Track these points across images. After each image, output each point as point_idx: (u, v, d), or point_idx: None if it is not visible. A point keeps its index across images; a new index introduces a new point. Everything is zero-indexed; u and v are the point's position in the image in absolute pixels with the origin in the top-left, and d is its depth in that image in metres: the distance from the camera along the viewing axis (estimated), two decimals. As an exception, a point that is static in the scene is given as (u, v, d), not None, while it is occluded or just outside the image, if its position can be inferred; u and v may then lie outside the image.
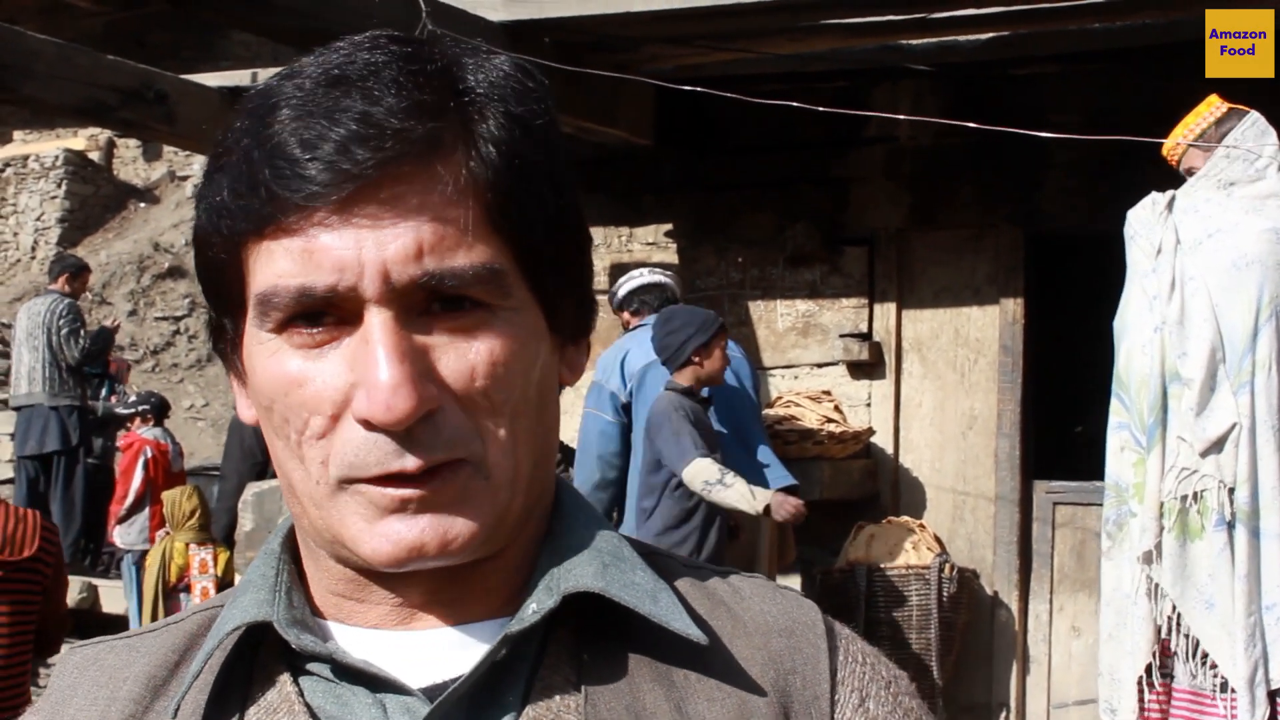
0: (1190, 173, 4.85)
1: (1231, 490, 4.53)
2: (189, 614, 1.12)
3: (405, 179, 0.94)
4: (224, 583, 8.46)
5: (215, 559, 8.55)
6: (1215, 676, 4.56)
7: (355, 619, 1.02)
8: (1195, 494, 4.57)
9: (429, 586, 1.01)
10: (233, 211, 0.96)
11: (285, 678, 1.02)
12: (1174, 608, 4.60)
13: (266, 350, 0.98)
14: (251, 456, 9.33)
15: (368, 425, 0.94)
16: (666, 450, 5.63)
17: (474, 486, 0.97)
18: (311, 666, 1.02)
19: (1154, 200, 4.88)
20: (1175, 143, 4.89)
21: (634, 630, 1.01)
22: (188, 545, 8.54)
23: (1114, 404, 4.87)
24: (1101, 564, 4.92)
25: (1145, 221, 4.85)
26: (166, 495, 8.90)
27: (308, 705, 1.00)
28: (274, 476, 9.44)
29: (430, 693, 0.98)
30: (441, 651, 1.01)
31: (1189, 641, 4.58)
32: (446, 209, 0.95)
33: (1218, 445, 4.56)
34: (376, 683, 0.99)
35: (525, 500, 1.01)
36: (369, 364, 0.94)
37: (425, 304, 0.96)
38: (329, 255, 0.94)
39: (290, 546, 1.07)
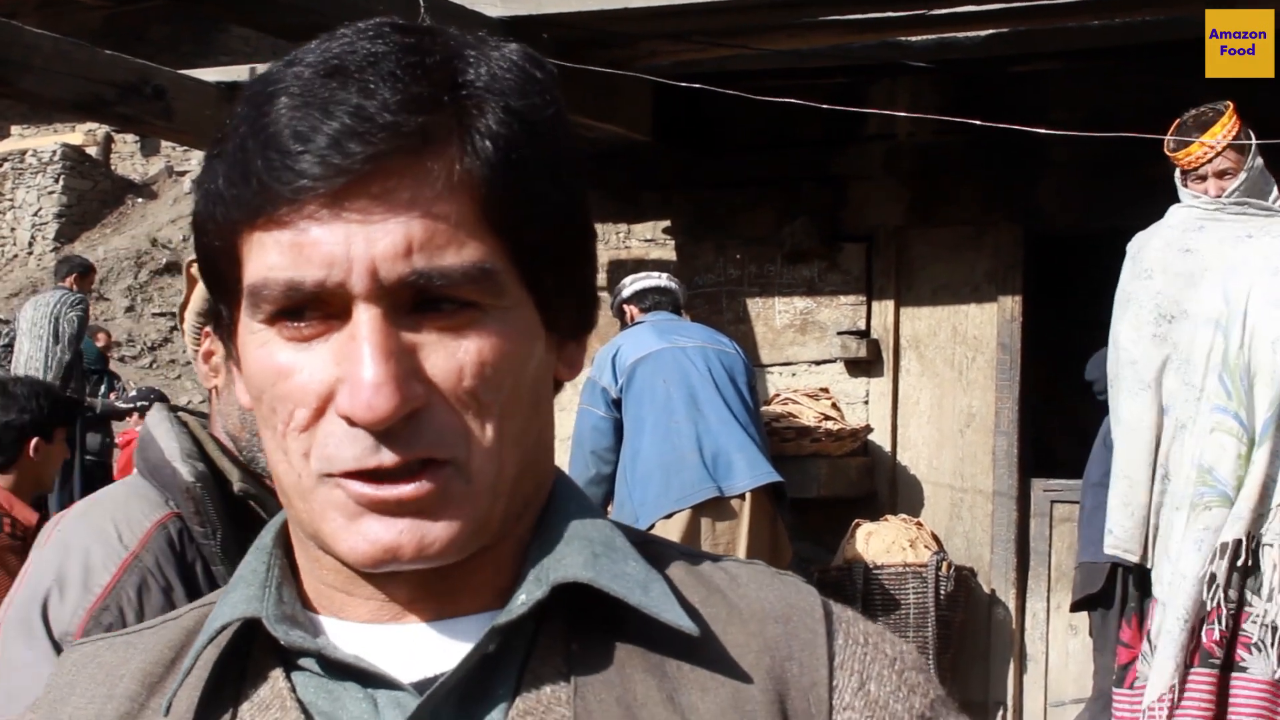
0: (1221, 175, 4.83)
1: None
2: (186, 610, 1.12)
3: (396, 173, 0.93)
4: None
5: None
6: None
7: (347, 612, 1.02)
8: None
9: (416, 583, 1.00)
10: (227, 200, 0.96)
11: (278, 673, 1.01)
12: (1245, 600, 4.60)
13: (257, 340, 0.97)
14: None
15: (350, 421, 0.94)
16: None
17: (454, 489, 0.96)
18: (303, 662, 1.02)
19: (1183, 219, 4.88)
20: (1214, 143, 4.84)
21: (626, 621, 1.00)
22: None
23: (1213, 387, 4.79)
24: (1164, 542, 4.81)
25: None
26: None
27: (299, 701, 1.00)
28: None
29: (421, 687, 0.98)
30: (432, 646, 1.00)
31: (1272, 631, 4.58)
32: (438, 205, 0.94)
33: None
34: (368, 678, 0.99)
35: (509, 503, 1.00)
36: (354, 361, 0.93)
37: (414, 301, 0.95)
38: (318, 250, 0.93)
39: (283, 541, 1.07)
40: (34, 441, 4.65)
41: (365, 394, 0.92)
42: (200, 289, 2.12)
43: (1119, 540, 4.91)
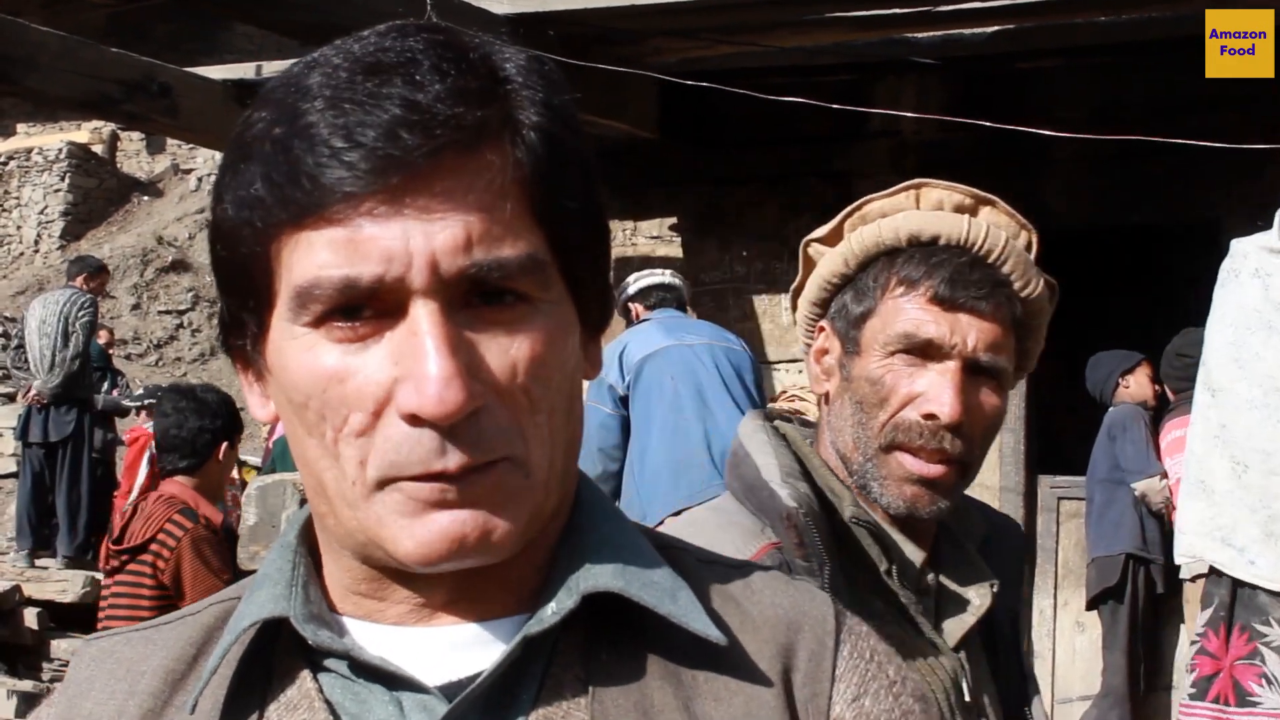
0: None
1: None
2: (205, 606, 1.11)
3: (453, 168, 0.92)
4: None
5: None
6: None
7: (374, 616, 1.01)
8: None
9: (453, 585, 0.99)
10: (267, 202, 0.93)
11: (305, 674, 1.01)
12: None
13: (302, 345, 0.95)
14: None
15: (413, 420, 0.92)
16: (1135, 454, 6.83)
17: (513, 484, 0.95)
18: (329, 662, 1.01)
19: None
20: None
21: (648, 627, 1.00)
22: None
23: None
24: None
25: None
26: None
27: (327, 701, 0.99)
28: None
29: (447, 690, 0.97)
30: (459, 649, 1.00)
31: None
32: (493, 199, 0.93)
33: None
34: (394, 680, 0.98)
35: (557, 497, 1.00)
36: (418, 357, 0.91)
37: (468, 297, 0.93)
38: (375, 245, 0.91)
39: (306, 540, 1.06)
40: (223, 446, 4.82)
41: (435, 388, 0.90)
42: (819, 273, 1.88)
43: (1262, 571, 4.82)
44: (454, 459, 0.92)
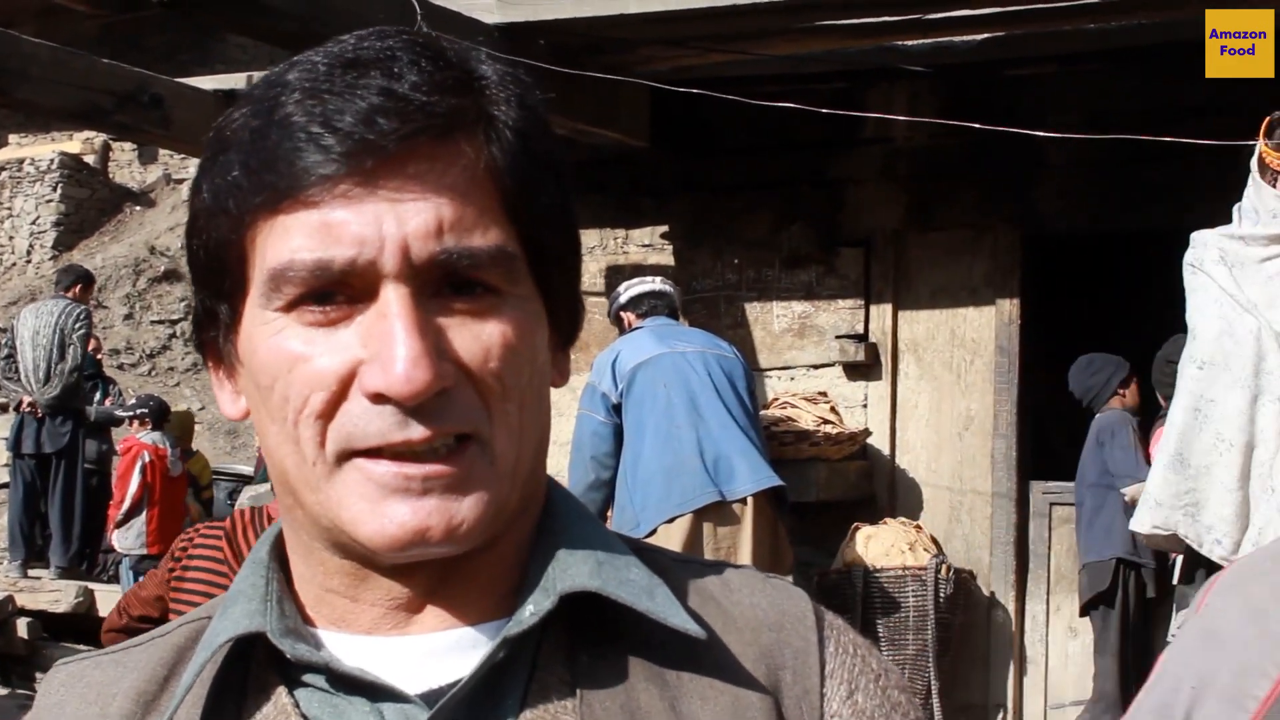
0: None
1: None
2: (175, 626, 1.10)
3: (427, 155, 0.94)
4: None
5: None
6: None
7: (348, 623, 1.01)
8: None
9: (426, 583, 0.99)
10: (245, 188, 0.95)
11: (281, 690, 1.00)
12: None
13: (271, 329, 0.96)
14: None
15: (377, 399, 0.93)
16: (1123, 459, 6.83)
17: (479, 469, 0.96)
18: (306, 677, 1.00)
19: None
20: None
21: (629, 627, 1.00)
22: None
23: None
24: None
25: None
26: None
27: (304, 717, 0.99)
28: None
29: (428, 698, 0.97)
30: (437, 655, 0.99)
31: None
32: (466, 189, 0.95)
33: None
34: (373, 691, 0.98)
35: (523, 493, 1.01)
36: (386, 338, 0.93)
37: (438, 285, 0.95)
38: (347, 229, 0.93)
39: (278, 555, 1.06)
40: None
41: (403, 367, 0.91)
42: None
43: (1227, 552, 4.70)
44: (417, 430, 0.93)
